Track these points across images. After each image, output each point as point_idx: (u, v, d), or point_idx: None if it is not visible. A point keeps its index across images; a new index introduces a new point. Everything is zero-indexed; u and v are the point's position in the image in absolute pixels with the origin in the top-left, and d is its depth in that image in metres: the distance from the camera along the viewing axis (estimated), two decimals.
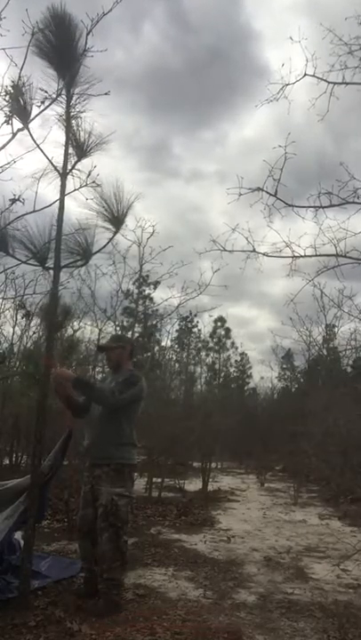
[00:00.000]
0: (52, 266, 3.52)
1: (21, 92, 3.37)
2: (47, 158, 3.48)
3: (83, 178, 3.58)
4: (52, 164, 3.49)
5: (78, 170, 3.58)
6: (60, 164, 3.52)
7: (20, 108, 3.40)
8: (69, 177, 3.56)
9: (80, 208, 3.65)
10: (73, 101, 3.50)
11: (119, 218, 3.65)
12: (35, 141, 3.47)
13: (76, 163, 3.59)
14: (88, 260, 3.70)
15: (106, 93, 3.57)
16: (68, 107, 3.51)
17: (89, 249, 3.64)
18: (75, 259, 3.64)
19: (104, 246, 3.75)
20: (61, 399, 3.57)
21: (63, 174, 3.51)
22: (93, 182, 3.59)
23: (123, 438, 3.49)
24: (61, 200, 3.49)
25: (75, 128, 3.53)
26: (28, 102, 3.43)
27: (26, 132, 3.47)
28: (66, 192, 3.51)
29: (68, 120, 3.51)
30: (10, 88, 3.30)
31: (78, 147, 3.56)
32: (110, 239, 3.75)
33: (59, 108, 3.52)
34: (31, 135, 3.47)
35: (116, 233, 3.72)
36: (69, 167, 3.55)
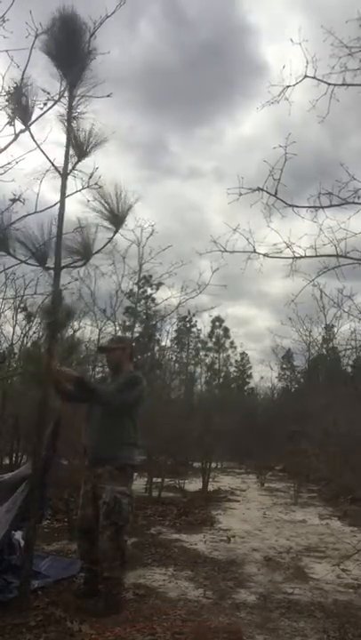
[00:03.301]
0: (52, 266, 3.53)
1: (22, 92, 3.37)
2: (48, 159, 3.50)
3: (84, 178, 3.60)
4: (53, 164, 3.51)
5: (79, 170, 3.60)
6: (60, 165, 3.53)
7: (22, 109, 3.42)
8: (70, 177, 3.58)
9: (80, 207, 3.67)
10: (75, 102, 3.52)
11: (120, 217, 3.65)
12: (36, 142, 3.48)
13: (76, 163, 3.60)
14: (88, 259, 3.70)
15: (108, 95, 3.58)
16: (70, 107, 3.53)
17: (89, 248, 3.64)
18: (75, 258, 3.65)
19: (104, 246, 3.75)
20: (53, 385, 3.52)
21: (64, 174, 3.53)
22: (95, 184, 3.60)
23: (126, 438, 3.51)
24: (62, 200, 3.51)
25: (76, 128, 3.55)
26: (30, 103, 3.44)
27: (26, 132, 3.48)
28: (67, 192, 3.52)
29: (69, 121, 3.53)
30: (11, 89, 3.30)
31: (79, 147, 3.57)
32: (110, 238, 3.75)
33: (60, 109, 3.54)
34: (32, 136, 3.49)
35: (116, 232, 3.72)
36: (70, 167, 3.57)
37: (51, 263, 3.55)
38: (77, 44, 3.41)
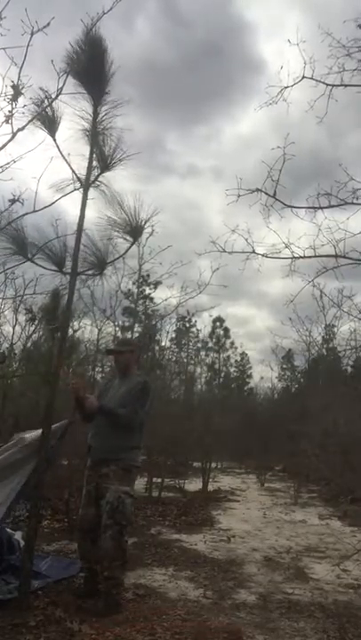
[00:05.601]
0: (69, 271, 3.57)
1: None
2: (72, 171, 3.57)
3: (105, 189, 3.67)
4: (76, 175, 3.57)
5: (100, 182, 3.66)
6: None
7: (50, 119, 3.48)
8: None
9: (98, 216, 3.72)
10: (99, 118, 3.60)
11: (137, 228, 3.69)
12: (61, 152, 3.55)
13: (98, 175, 3.66)
14: (103, 269, 3.75)
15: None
16: (95, 122, 3.59)
17: (104, 259, 3.69)
18: (90, 267, 3.70)
19: (120, 256, 3.79)
20: (75, 404, 3.63)
21: (86, 186, 3.58)
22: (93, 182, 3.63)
23: (132, 441, 3.54)
24: (82, 210, 3.57)
25: (101, 142, 3.62)
26: (57, 112, 3.51)
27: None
28: (87, 202, 3.58)
29: (93, 135, 3.59)
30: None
31: (103, 160, 3.64)
32: (127, 249, 3.79)
33: (85, 124, 3.61)
34: (57, 146, 3.55)
35: (133, 243, 3.77)
36: (92, 179, 3.62)
37: (67, 268, 3.60)
38: (101, 64, 3.50)
